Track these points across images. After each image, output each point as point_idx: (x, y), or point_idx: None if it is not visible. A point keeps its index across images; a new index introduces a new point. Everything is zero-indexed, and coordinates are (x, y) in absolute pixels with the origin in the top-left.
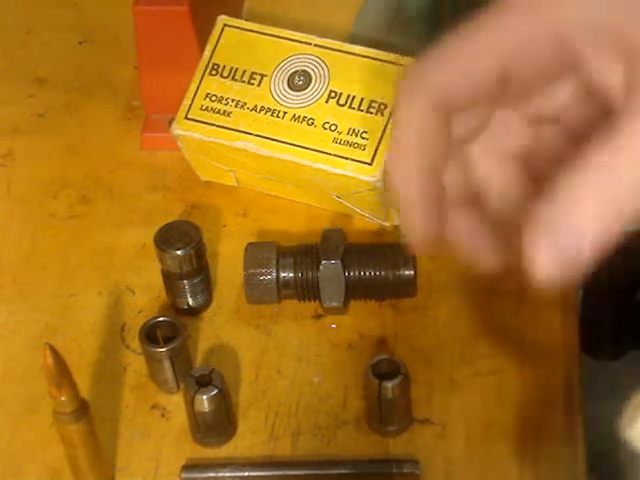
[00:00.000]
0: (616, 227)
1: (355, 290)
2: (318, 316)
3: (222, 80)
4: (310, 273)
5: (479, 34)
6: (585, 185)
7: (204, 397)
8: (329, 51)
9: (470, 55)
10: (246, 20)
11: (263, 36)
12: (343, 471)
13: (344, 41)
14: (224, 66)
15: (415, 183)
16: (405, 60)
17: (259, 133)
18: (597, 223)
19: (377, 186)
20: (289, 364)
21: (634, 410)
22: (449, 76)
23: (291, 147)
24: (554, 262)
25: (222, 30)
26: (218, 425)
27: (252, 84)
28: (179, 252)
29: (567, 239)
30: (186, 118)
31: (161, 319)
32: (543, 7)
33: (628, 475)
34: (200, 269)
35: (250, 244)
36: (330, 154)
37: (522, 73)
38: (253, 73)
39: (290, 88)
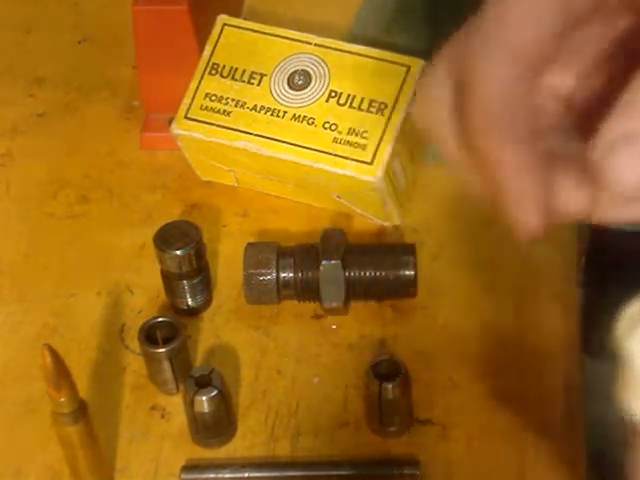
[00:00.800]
0: None
1: (355, 290)
2: (318, 316)
3: (222, 80)
4: (310, 273)
5: None
6: None
7: (204, 398)
8: (329, 50)
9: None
10: (246, 19)
11: (263, 35)
12: (343, 472)
13: (344, 40)
14: (224, 66)
15: (523, 166)
16: (405, 59)
17: (259, 133)
18: None
19: (378, 186)
20: (289, 364)
21: (633, 317)
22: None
23: (291, 147)
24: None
25: (222, 29)
26: (218, 426)
27: (252, 84)
28: (179, 252)
29: None
30: (186, 118)
31: (160, 319)
32: None
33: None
34: (200, 269)
35: (250, 244)
36: (330, 154)
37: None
38: (253, 73)
39: (290, 87)
